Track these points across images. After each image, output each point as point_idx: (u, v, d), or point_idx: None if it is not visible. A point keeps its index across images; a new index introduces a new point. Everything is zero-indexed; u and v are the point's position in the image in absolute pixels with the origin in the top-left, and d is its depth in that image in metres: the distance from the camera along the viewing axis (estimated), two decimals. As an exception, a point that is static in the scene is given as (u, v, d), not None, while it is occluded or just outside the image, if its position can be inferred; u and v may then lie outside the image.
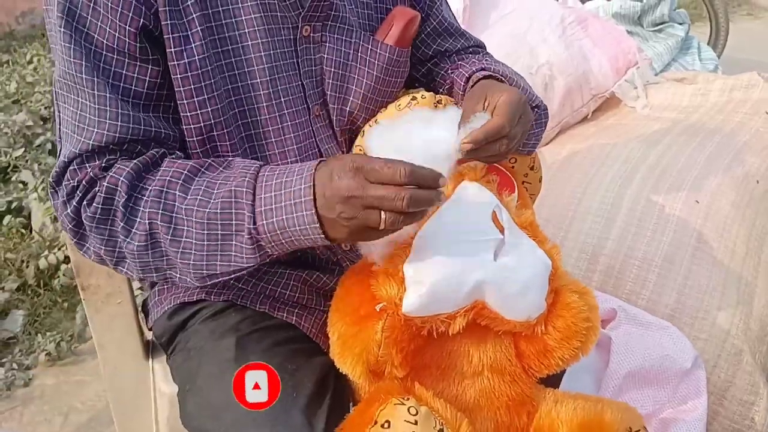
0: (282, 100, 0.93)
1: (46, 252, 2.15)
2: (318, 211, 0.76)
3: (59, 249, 2.15)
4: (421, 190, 0.74)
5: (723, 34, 3.35)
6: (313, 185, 0.77)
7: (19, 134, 2.82)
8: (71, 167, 0.85)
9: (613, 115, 2.06)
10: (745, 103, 1.91)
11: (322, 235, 0.77)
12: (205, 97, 0.87)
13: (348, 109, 0.99)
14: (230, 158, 0.88)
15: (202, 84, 0.87)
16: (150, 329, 1.11)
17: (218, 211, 0.79)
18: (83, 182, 0.84)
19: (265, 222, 0.78)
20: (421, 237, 0.84)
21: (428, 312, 0.83)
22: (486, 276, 0.83)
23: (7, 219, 2.37)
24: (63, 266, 2.15)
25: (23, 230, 2.35)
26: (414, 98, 0.98)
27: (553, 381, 0.99)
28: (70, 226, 0.85)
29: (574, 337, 0.89)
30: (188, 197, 0.81)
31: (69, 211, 0.84)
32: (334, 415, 0.86)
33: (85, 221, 0.83)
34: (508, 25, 1.96)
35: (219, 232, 0.80)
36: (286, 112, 0.94)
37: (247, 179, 0.80)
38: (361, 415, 0.82)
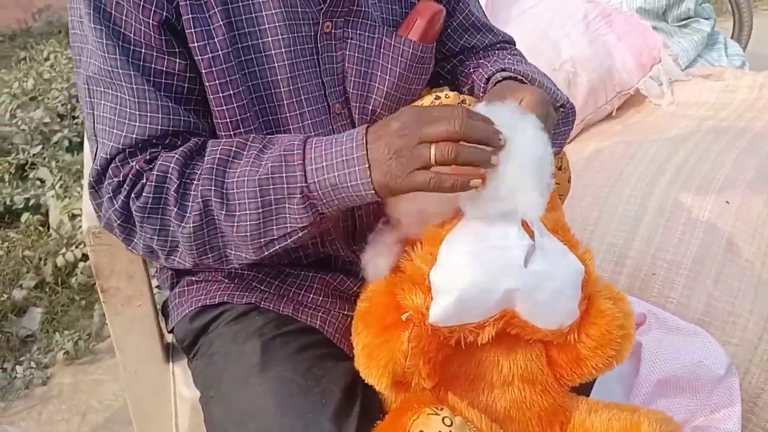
0: (303, 97, 0.91)
1: (64, 249, 2.14)
2: (369, 158, 0.76)
3: (77, 247, 2.15)
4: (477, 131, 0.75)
5: (747, 29, 3.27)
6: (366, 139, 0.77)
7: (37, 131, 2.82)
8: (113, 164, 0.84)
9: (638, 112, 2.02)
10: (775, 100, 1.86)
11: (372, 190, 0.76)
12: (231, 92, 0.86)
13: (371, 107, 0.97)
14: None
15: (227, 79, 0.86)
16: (170, 332, 1.09)
17: (269, 175, 0.79)
18: (129, 176, 0.84)
19: (317, 179, 0.78)
20: (448, 242, 0.81)
21: (456, 321, 0.80)
22: (516, 283, 0.80)
23: (24, 216, 2.36)
24: (81, 264, 2.14)
25: (41, 228, 2.35)
26: (438, 98, 0.95)
27: (584, 389, 0.96)
28: (119, 222, 0.85)
29: (609, 346, 0.85)
30: (238, 170, 0.81)
31: (117, 206, 0.84)
32: (363, 424, 0.84)
33: (135, 213, 0.83)
34: (530, 20, 1.92)
35: (272, 196, 0.80)
36: (306, 110, 0.92)
37: (296, 143, 0.81)
38: (393, 424, 0.80)
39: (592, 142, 1.87)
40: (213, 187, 0.81)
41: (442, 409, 0.77)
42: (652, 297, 1.50)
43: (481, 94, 1.00)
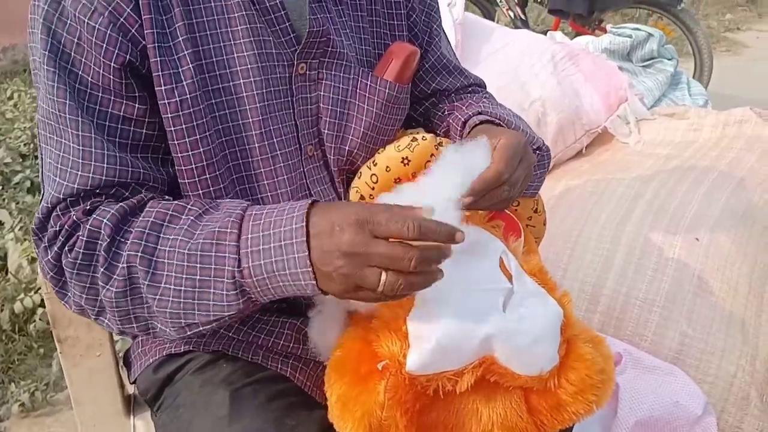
0: (275, 140, 0.89)
1: (22, 295, 2.06)
2: (311, 258, 0.70)
3: (35, 292, 2.06)
4: (431, 250, 0.68)
5: (707, 70, 3.39)
6: (307, 228, 0.71)
7: (-2, 172, 2.75)
8: (54, 212, 0.80)
9: (606, 150, 2.04)
10: (739, 138, 1.90)
11: (314, 282, 0.71)
12: (197, 137, 0.83)
13: (347, 148, 0.95)
14: (217, 200, 0.84)
15: (194, 123, 0.82)
16: (132, 383, 1.04)
17: (198, 252, 0.74)
18: (65, 227, 0.79)
19: (251, 264, 0.72)
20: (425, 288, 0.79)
21: (434, 370, 0.77)
22: (495, 329, 0.78)
23: (-19, 260, 2.28)
24: (39, 310, 2.05)
25: (-2, 272, 2.27)
26: (414, 139, 0.93)
27: (563, 433, 0.93)
28: (51, 273, 0.80)
29: (589, 391, 0.84)
30: (170, 238, 0.76)
31: (50, 257, 0.79)
32: None
33: (65, 268, 0.78)
34: (499, 61, 1.94)
35: (197, 276, 0.74)
36: (279, 153, 0.89)
37: (232, 219, 0.75)
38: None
39: (562, 180, 1.88)
40: (141, 254, 0.76)
41: None
42: (627, 335, 1.50)
43: (458, 138, 0.99)
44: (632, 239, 1.59)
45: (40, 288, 2.04)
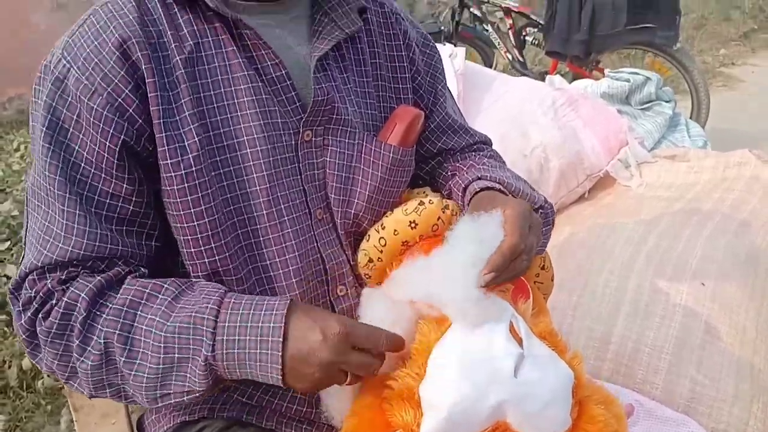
0: (282, 206, 0.90)
1: (30, 350, 2.05)
2: (285, 357, 0.77)
3: (44, 347, 2.06)
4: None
5: (704, 108, 3.43)
6: (285, 328, 0.77)
7: (4, 224, 2.77)
8: (30, 276, 0.83)
9: (609, 194, 2.06)
10: (739, 180, 1.92)
11: (280, 378, 0.77)
12: (203, 207, 0.85)
13: (353, 211, 0.96)
14: (194, 279, 0.87)
15: (200, 194, 0.84)
16: (146, 450, 1.04)
17: (176, 335, 0.79)
18: (40, 293, 0.82)
19: (225, 351, 0.77)
20: (436, 354, 0.80)
21: (449, 437, 0.77)
22: (507, 394, 0.78)
23: (-11, 315, 2.28)
24: (47, 366, 2.05)
25: (6, 328, 2.26)
26: (421, 203, 0.94)
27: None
28: (24, 336, 0.84)
29: (603, 452, 0.83)
30: (147, 317, 0.80)
31: (23, 321, 0.83)
32: None
33: (39, 334, 0.82)
34: (500, 110, 1.98)
35: (175, 354, 0.79)
36: (286, 218, 0.91)
37: (210, 306, 0.79)
38: None
39: (567, 227, 1.89)
40: (118, 331, 0.80)
41: None
42: (637, 383, 1.49)
43: (460, 203, 1.01)
44: (639, 285, 1.59)
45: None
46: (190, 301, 0.81)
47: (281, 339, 0.76)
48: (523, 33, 3.99)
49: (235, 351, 0.77)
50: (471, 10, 4.03)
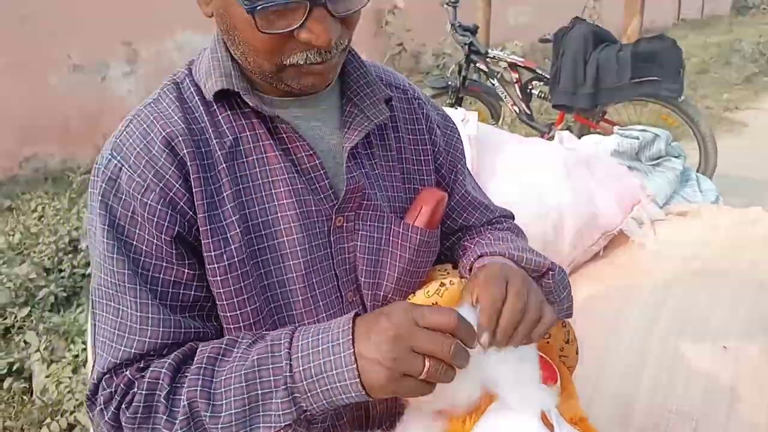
0: (317, 291, 0.93)
1: (49, 419, 2.05)
2: (356, 352, 0.76)
3: (62, 416, 2.06)
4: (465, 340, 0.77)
5: (712, 158, 3.46)
6: (353, 329, 0.78)
7: (22, 287, 2.79)
8: (107, 375, 0.84)
9: (624, 253, 2.06)
10: (753, 239, 1.92)
11: (358, 380, 0.75)
12: (245, 296, 0.88)
13: (382, 293, 0.99)
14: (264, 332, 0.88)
15: (242, 284, 0.87)
16: None
17: (255, 368, 0.79)
18: (121, 385, 0.83)
19: (301, 368, 0.78)
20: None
21: None
22: (542, 484, 0.78)
23: (7, 382, 2.28)
24: (66, 434, 2.05)
25: (24, 395, 2.26)
26: (443, 284, 0.96)
27: None
28: None
29: None
30: (226, 367, 0.81)
31: (107, 418, 0.83)
32: None
33: (125, 423, 0.82)
34: (513, 174, 2.00)
35: (258, 391, 0.79)
36: (321, 303, 0.94)
37: (285, 332, 0.82)
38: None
39: (584, 287, 1.89)
40: (200, 387, 0.80)
41: None
42: (664, 451, 1.47)
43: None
44: (661, 350, 1.59)
45: (66, 412, 2.04)
46: (265, 341, 0.83)
47: (350, 337, 0.77)
48: (529, 86, 4.07)
49: (312, 365, 0.77)
50: (477, 65, 4.12)
